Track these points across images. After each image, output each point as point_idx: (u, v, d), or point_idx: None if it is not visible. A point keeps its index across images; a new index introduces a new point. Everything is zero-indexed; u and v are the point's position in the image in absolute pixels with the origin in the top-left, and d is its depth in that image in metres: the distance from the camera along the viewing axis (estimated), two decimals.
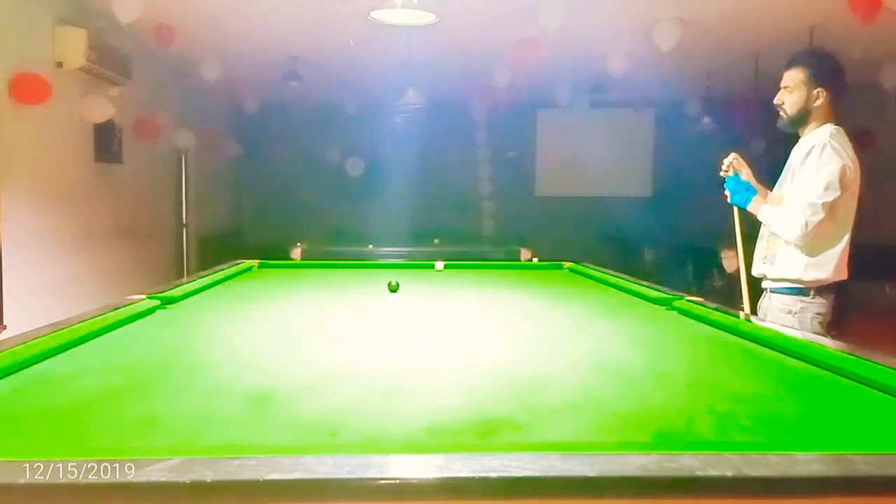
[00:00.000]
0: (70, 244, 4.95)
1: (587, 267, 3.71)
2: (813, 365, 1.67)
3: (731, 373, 1.68)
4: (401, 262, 4.24)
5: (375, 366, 1.70)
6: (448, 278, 3.59)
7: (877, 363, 1.53)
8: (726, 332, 2.09)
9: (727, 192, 2.82)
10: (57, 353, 1.71)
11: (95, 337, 1.91)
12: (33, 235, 4.46)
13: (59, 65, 4.62)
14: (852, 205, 2.58)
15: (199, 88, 7.26)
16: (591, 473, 0.95)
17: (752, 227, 2.84)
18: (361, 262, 4.26)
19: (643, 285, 2.91)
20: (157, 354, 1.83)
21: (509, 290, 3.20)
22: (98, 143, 5.33)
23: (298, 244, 5.47)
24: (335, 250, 5.37)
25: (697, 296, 2.59)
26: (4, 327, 4.00)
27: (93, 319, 1.99)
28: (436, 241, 6.31)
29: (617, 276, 3.26)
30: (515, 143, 10.13)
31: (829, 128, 2.60)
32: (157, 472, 0.91)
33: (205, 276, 3.16)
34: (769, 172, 2.88)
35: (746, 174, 2.81)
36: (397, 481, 0.93)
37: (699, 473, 0.95)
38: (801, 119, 2.66)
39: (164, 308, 2.44)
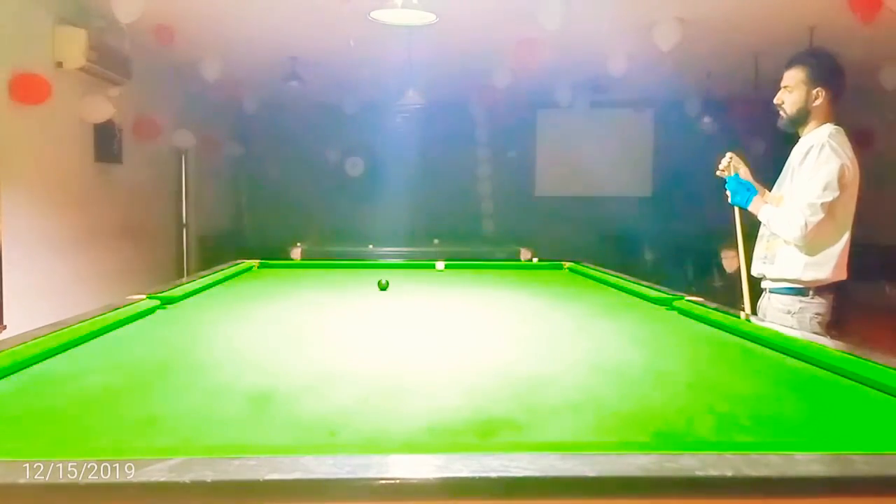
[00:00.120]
0: (70, 244, 4.95)
1: (587, 267, 3.71)
2: (813, 365, 1.67)
3: (731, 373, 1.68)
4: (401, 262, 4.24)
5: (375, 366, 1.70)
6: (448, 278, 3.59)
7: (877, 363, 1.53)
8: (726, 332, 2.09)
9: (728, 192, 2.82)
10: (57, 353, 1.71)
11: (95, 337, 1.91)
12: (33, 235, 4.46)
13: (59, 65, 4.62)
14: (851, 205, 2.58)
15: (199, 88, 7.26)
16: (591, 473, 0.94)
17: (752, 227, 2.84)
18: (361, 262, 4.26)
19: (643, 285, 2.91)
20: (157, 354, 1.83)
21: (509, 290, 3.20)
22: (98, 143, 5.33)
23: (298, 244, 5.47)
24: (335, 250, 5.37)
25: (697, 296, 2.59)
26: (4, 327, 4.00)
27: (93, 319, 1.99)
28: (435, 241, 6.31)
29: (617, 276, 3.26)
30: (515, 143, 10.13)
31: (829, 128, 2.61)
32: (157, 472, 0.91)
33: (205, 276, 3.16)
34: (769, 172, 2.88)
35: (744, 172, 2.82)
36: (397, 481, 0.93)
37: (699, 473, 0.95)
38: (801, 119, 2.66)
39: (164, 308, 2.44)
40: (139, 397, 1.42)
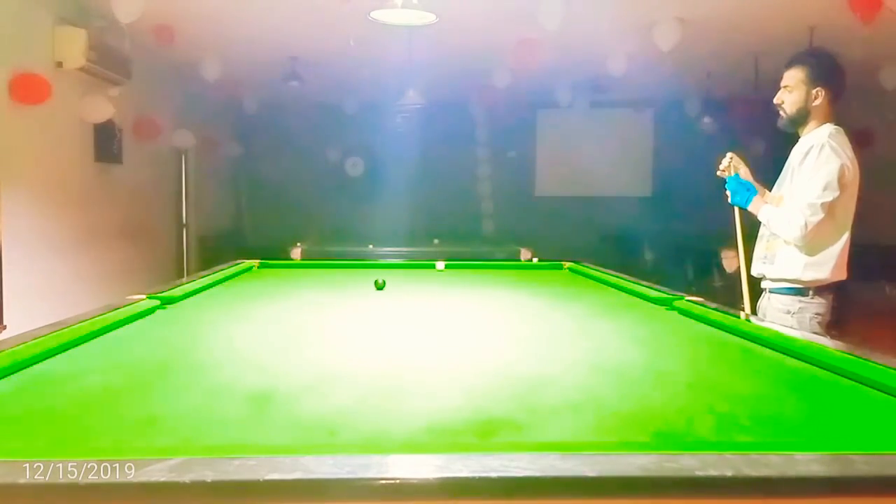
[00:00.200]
0: (70, 244, 4.95)
1: (587, 267, 3.71)
2: (813, 365, 1.67)
3: (731, 373, 1.68)
4: (401, 262, 4.24)
5: (375, 366, 1.70)
6: (448, 278, 3.59)
7: (877, 363, 1.53)
8: (726, 332, 2.09)
9: (728, 192, 2.82)
10: (57, 353, 1.71)
11: (95, 337, 1.91)
12: (33, 235, 4.46)
13: (59, 65, 4.62)
14: (851, 205, 2.58)
15: (199, 88, 7.26)
16: (591, 473, 0.94)
17: (752, 228, 2.84)
18: (361, 262, 4.26)
19: (643, 285, 2.91)
20: (157, 354, 1.83)
21: (509, 290, 3.20)
22: (98, 143, 5.33)
23: (298, 244, 5.46)
24: (335, 250, 5.37)
25: (697, 296, 2.59)
26: (4, 327, 4.00)
27: (93, 319, 1.99)
28: (435, 241, 6.31)
29: (617, 276, 3.26)
30: (515, 143, 10.13)
31: (829, 128, 2.61)
32: (157, 472, 0.91)
33: (205, 276, 3.16)
34: (769, 172, 2.88)
35: (745, 172, 2.82)
36: (397, 481, 0.93)
37: (699, 473, 0.95)
38: (801, 119, 2.66)
39: (164, 308, 2.44)
40: (139, 397, 1.42)
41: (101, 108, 5.03)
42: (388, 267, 3.88)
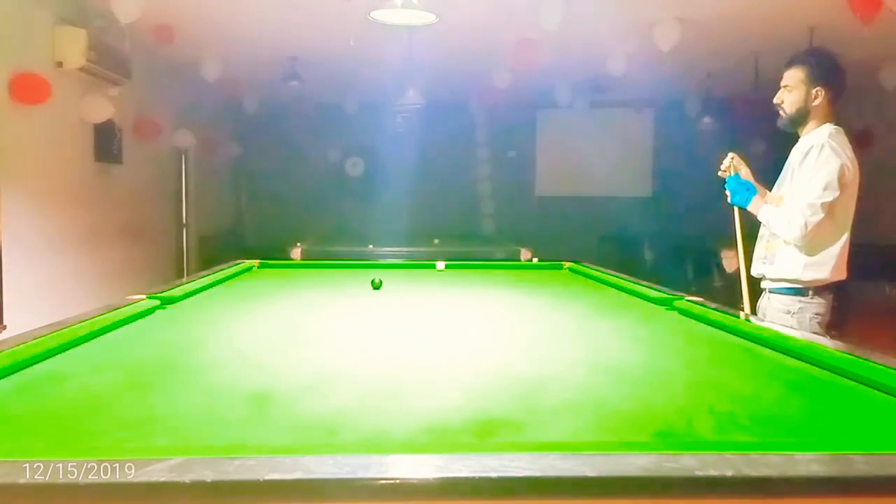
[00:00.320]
0: (70, 244, 4.95)
1: (587, 267, 3.71)
2: (813, 365, 1.67)
3: (731, 373, 1.68)
4: (401, 262, 4.24)
5: (375, 366, 1.70)
6: (448, 278, 3.59)
7: (876, 363, 1.53)
8: (726, 332, 2.09)
9: (728, 192, 2.82)
10: (57, 353, 1.71)
11: (95, 337, 1.91)
12: (33, 235, 4.46)
13: (59, 65, 4.62)
14: (851, 205, 2.58)
15: (199, 88, 7.26)
16: (591, 473, 0.94)
17: (752, 227, 2.84)
18: (362, 262, 4.26)
19: (643, 285, 2.91)
20: (157, 354, 1.83)
21: (509, 290, 3.20)
22: (98, 143, 5.33)
23: (298, 244, 5.46)
24: (335, 250, 5.37)
25: (697, 296, 2.59)
26: (4, 327, 4.00)
27: (93, 319, 1.99)
28: (436, 241, 6.31)
29: (617, 276, 3.25)
30: (515, 143, 10.14)
31: (828, 128, 2.61)
32: (157, 472, 0.91)
33: (205, 276, 3.16)
34: (769, 172, 2.88)
35: (745, 173, 2.82)
36: (397, 481, 0.93)
37: (699, 473, 0.95)
38: (801, 118, 2.66)
39: (164, 308, 2.44)
40: (139, 397, 1.42)
41: (101, 108, 5.03)
42: (389, 267, 3.88)
